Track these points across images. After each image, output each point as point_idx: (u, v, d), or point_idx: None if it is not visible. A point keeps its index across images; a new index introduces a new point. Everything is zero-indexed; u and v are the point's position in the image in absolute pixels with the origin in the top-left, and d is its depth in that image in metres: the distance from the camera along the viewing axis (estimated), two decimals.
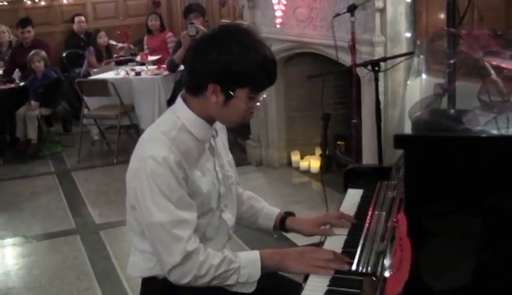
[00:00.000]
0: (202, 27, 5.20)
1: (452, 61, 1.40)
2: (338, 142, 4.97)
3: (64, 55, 8.03)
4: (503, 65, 1.34)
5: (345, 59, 3.71)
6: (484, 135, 1.21)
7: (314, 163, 5.07)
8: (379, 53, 3.54)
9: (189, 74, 1.76)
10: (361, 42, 3.61)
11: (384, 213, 1.83)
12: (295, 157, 5.24)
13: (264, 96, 1.77)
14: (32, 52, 6.28)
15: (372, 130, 3.50)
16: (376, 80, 3.34)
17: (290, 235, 2.38)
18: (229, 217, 1.90)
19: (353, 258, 1.68)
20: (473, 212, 1.17)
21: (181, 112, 1.77)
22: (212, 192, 1.80)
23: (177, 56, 5.61)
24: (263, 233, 2.12)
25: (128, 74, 6.22)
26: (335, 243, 1.84)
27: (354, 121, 3.68)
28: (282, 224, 2.04)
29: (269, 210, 2.08)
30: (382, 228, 1.74)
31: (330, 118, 3.62)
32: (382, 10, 3.50)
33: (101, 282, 3.49)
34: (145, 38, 7.41)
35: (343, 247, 1.80)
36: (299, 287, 1.65)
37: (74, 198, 4.97)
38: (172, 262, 1.67)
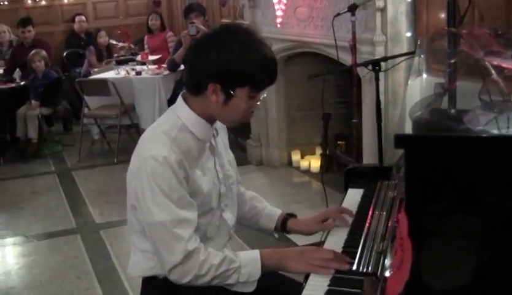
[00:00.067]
0: (202, 27, 5.20)
1: (452, 61, 1.40)
2: (339, 142, 4.97)
3: (64, 54, 8.03)
4: (504, 65, 1.33)
5: (346, 58, 3.70)
6: (484, 135, 1.21)
7: (314, 162, 5.07)
8: (379, 52, 3.54)
9: (189, 74, 1.76)
10: (362, 42, 3.61)
11: (384, 213, 1.83)
12: (296, 156, 5.24)
13: (265, 95, 1.77)
14: (33, 52, 6.28)
15: (373, 130, 3.50)
16: (377, 79, 3.34)
17: (290, 235, 2.38)
18: (229, 216, 1.90)
19: (353, 258, 1.67)
20: (473, 212, 1.17)
21: (181, 111, 1.77)
22: (212, 191, 1.80)
23: (177, 56, 5.61)
24: (264, 233, 2.12)
25: (128, 73, 6.22)
26: (335, 242, 1.84)
27: (355, 121, 3.67)
28: (283, 225, 2.05)
29: (271, 211, 2.08)
30: (382, 228, 1.74)
31: (331, 118, 3.62)
32: (383, 10, 3.50)
33: (102, 281, 3.49)
34: (146, 37, 7.40)
35: (343, 247, 1.80)
36: (299, 287, 1.65)
37: (75, 198, 4.97)
38: (172, 262, 1.67)
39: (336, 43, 3.56)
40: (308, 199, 4.42)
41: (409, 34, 3.50)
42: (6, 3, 8.45)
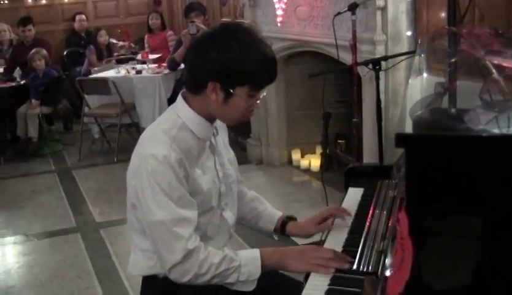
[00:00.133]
0: (202, 26, 5.20)
1: (453, 60, 1.40)
2: (339, 141, 4.97)
3: (64, 53, 8.04)
4: (505, 64, 1.33)
5: (346, 58, 3.70)
6: (485, 134, 1.21)
7: (314, 161, 5.07)
8: (379, 51, 3.54)
9: (189, 73, 1.76)
10: (362, 41, 3.61)
11: (384, 212, 1.83)
12: (296, 155, 5.24)
13: (264, 94, 1.77)
14: (33, 51, 6.28)
15: (373, 129, 3.50)
16: (377, 78, 3.34)
17: None
18: (229, 215, 1.90)
19: (354, 257, 1.67)
20: (474, 211, 1.16)
21: (181, 110, 1.77)
22: (212, 190, 1.80)
23: (177, 55, 5.60)
24: (263, 235, 2.12)
25: (128, 72, 6.22)
26: (336, 241, 1.84)
27: (355, 120, 3.67)
28: (283, 228, 2.04)
29: (271, 212, 2.08)
30: (383, 227, 1.74)
31: (331, 117, 3.63)
32: (383, 9, 3.50)
33: (102, 280, 3.49)
34: (146, 36, 7.41)
35: (344, 247, 1.80)
36: (299, 286, 1.65)
37: (75, 197, 4.97)
38: (172, 260, 1.67)
39: (336, 42, 3.56)
40: (308, 198, 4.41)
41: (409, 33, 3.50)
42: (6, 2, 8.46)
